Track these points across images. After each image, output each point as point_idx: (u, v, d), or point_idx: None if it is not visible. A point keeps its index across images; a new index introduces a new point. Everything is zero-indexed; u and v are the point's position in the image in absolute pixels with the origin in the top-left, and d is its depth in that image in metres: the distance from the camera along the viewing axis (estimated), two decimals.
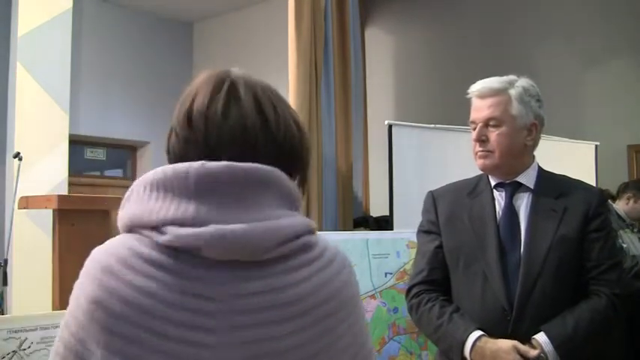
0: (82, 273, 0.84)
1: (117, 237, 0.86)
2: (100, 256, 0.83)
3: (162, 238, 0.81)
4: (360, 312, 0.93)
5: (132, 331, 0.78)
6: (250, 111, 0.89)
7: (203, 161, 0.83)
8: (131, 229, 0.85)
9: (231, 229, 0.80)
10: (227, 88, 0.90)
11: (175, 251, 0.81)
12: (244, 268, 0.82)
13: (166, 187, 0.83)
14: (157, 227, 0.81)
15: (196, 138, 0.87)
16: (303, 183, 0.96)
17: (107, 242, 0.86)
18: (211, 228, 0.79)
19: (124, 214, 0.86)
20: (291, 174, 0.91)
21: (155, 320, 0.78)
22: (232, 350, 0.80)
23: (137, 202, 0.85)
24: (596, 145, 4.74)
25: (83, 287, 0.82)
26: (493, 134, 1.72)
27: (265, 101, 0.91)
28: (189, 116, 0.89)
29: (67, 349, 0.82)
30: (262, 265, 0.83)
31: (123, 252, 0.82)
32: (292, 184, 0.90)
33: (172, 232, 0.80)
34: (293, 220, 0.86)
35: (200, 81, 0.94)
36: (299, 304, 0.83)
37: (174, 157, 0.90)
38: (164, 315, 0.78)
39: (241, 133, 0.87)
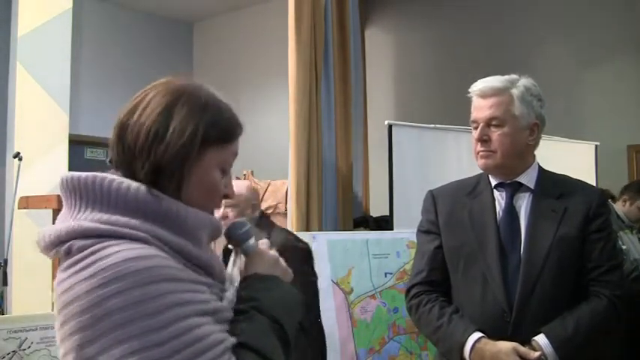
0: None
1: None
2: None
3: None
4: (115, 330, 0.84)
5: None
6: (119, 119, 1.01)
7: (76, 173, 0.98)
8: None
9: (42, 229, 0.95)
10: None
11: None
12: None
13: None
14: None
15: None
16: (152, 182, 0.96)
17: None
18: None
19: None
20: (135, 177, 0.96)
21: None
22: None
23: None
24: (596, 145, 4.74)
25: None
26: (495, 134, 1.71)
27: (135, 106, 1.01)
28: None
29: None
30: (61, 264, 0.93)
31: None
32: (122, 186, 0.93)
33: None
34: (73, 223, 0.92)
35: None
36: (57, 302, 0.92)
37: None
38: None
39: (112, 140, 1.00)
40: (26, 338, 1.85)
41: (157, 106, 0.98)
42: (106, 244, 0.88)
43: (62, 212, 0.97)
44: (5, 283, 3.81)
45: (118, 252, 0.87)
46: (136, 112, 0.98)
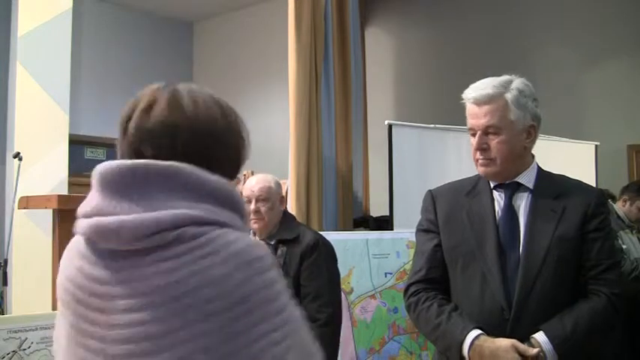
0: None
1: None
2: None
3: (74, 229, 0.95)
4: (255, 311, 0.88)
5: (68, 311, 0.95)
6: (169, 110, 0.96)
7: (113, 161, 0.95)
8: None
9: (107, 220, 0.89)
10: (149, 97, 1.01)
11: (88, 240, 0.94)
12: (124, 257, 0.90)
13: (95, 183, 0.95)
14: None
15: (123, 140, 1.01)
16: (232, 174, 1.00)
17: None
18: (93, 219, 0.91)
19: None
20: (210, 167, 0.95)
21: (76, 303, 0.93)
22: (118, 330, 0.88)
23: None
24: (596, 145, 4.74)
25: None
26: (493, 142, 1.70)
27: (185, 99, 0.98)
28: (120, 124, 1.02)
29: None
30: (142, 254, 0.90)
31: (73, 241, 1.00)
32: (202, 177, 0.93)
33: (77, 224, 0.94)
34: (177, 211, 0.89)
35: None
36: (161, 293, 0.87)
37: None
38: (80, 298, 0.93)
39: (159, 132, 0.96)
40: (26, 338, 1.85)
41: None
42: (219, 231, 0.90)
43: (119, 202, 0.91)
44: (5, 283, 3.82)
45: (237, 239, 0.91)
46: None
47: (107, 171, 0.93)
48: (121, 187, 0.92)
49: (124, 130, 1.00)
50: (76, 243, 0.97)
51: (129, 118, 1.00)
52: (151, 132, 0.96)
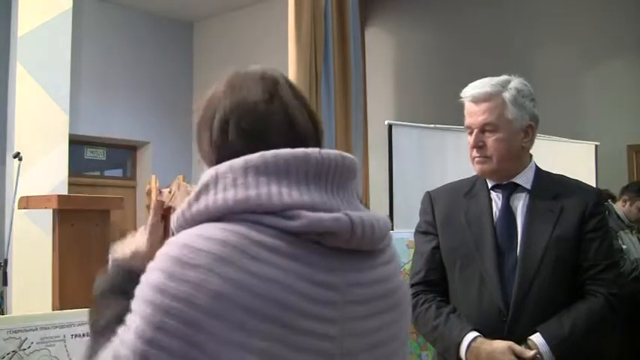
0: (178, 263, 0.75)
1: (208, 226, 0.79)
2: (210, 245, 0.75)
3: (293, 224, 0.77)
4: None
5: (267, 327, 0.74)
6: (299, 99, 0.89)
7: (314, 149, 0.82)
8: (229, 216, 0.79)
9: (360, 216, 0.80)
10: (271, 81, 0.88)
11: (297, 238, 0.78)
12: (358, 257, 0.83)
13: (279, 172, 0.79)
14: (280, 212, 0.77)
15: (276, 124, 0.85)
16: None
17: (198, 231, 0.78)
18: (344, 216, 0.79)
19: (216, 200, 0.79)
20: None
21: (288, 313, 0.75)
22: (352, 341, 0.81)
23: (236, 187, 0.79)
24: (596, 145, 4.74)
25: (192, 280, 0.73)
26: (490, 139, 1.71)
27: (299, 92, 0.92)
28: (267, 97, 0.85)
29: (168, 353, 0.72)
30: (370, 255, 0.85)
31: (240, 241, 0.76)
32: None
33: (307, 217, 0.77)
34: (381, 215, 0.86)
35: (235, 77, 0.90)
36: (394, 296, 0.88)
37: (226, 149, 0.85)
38: (296, 306, 0.76)
39: (311, 109, 0.90)
40: (26, 338, 1.85)
41: None
42: None
43: (338, 197, 0.82)
44: (5, 283, 3.82)
45: None
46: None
47: (327, 160, 0.81)
48: (340, 180, 0.82)
49: (268, 101, 0.86)
50: (245, 239, 0.76)
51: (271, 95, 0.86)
52: (304, 124, 0.87)
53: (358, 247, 0.81)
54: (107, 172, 7.25)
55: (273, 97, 0.86)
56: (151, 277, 0.76)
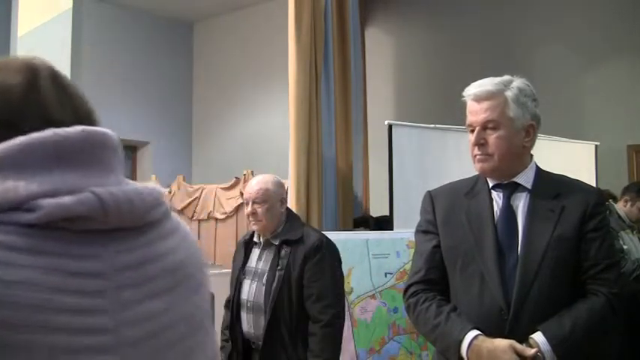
0: None
1: None
2: None
3: (31, 216, 0.69)
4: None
5: (26, 337, 0.65)
6: (63, 90, 0.82)
7: (53, 129, 0.74)
8: None
9: (112, 191, 0.73)
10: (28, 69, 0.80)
11: (43, 230, 0.70)
12: (126, 237, 0.76)
13: (16, 164, 0.71)
14: (20, 206, 0.69)
15: (30, 109, 0.77)
16: None
17: None
18: (91, 194, 0.72)
19: None
20: None
21: (45, 313, 0.66)
22: (131, 329, 0.73)
23: None
24: (596, 145, 4.74)
25: None
26: (491, 137, 1.71)
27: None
28: (24, 85, 0.78)
29: None
30: (141, 231, 0.78)
31: None
32: None
33: (46, 205, 0.69)
34: (149, 186, 0.80)
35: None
36: (180, 271, 0.81)
37: None
38: (53, 304, 0.67)
39: (79, 103, 0.82)
40: None
41: None
42: None
43: (94, 175, 0.75)
44: None
45: None
46: None
47: (67, 139, 0.74)
48: (92, 157, 0.76)
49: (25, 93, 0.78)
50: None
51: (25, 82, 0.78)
52: (69, 102, 0.81)
53: (120, 224, 0.74)
54: None
55: (32, 86, 0.78)
56: None
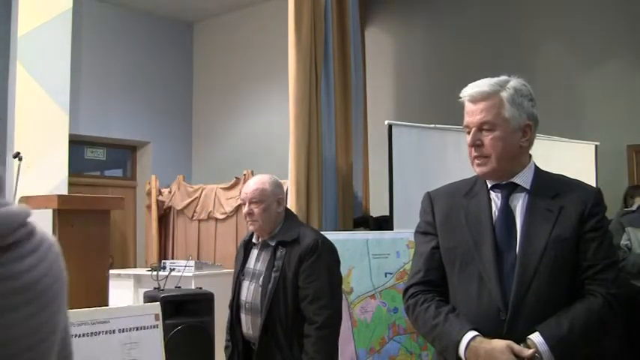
0: None
1: None
2: None
3: None
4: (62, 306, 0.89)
5: None
6: None
7: None
8: None
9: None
10: None
11: None
12: None
13: None
14: None
15: None
16: None
17: None
18: None
19: None
20: None
21: None
22: None
23: None
24: (596, 145, 4.74)
25: None
26: (487, 138, 1.71)
27: None
28: None
29: None
30: (4, 252, 0.81)
31: None
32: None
33: None
34: (14, 207, 0.83)
35: None
36: (33, 288, 0.82)
37: None
38: None
39: None
40: None
41: None
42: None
43: None
44: None
45: None
46: None
47: None
48: None
49: None
50: None
51: None
52: None
53: None
54: (107, 172, 7.26)
55: None
56: None
